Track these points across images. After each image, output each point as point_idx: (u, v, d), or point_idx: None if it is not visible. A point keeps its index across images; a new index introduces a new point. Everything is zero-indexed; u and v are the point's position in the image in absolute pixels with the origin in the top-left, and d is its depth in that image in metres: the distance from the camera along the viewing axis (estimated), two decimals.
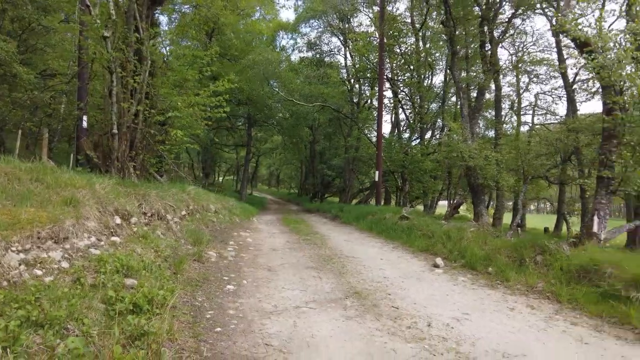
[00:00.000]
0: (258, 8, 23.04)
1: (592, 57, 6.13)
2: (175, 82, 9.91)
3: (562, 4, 8.84)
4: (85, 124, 9.95)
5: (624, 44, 6.46)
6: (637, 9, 6.07)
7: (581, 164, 11.84)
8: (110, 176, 6.99)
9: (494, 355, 3.55)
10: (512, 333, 4.09)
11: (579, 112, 16.47)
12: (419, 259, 7.69)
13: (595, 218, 6.23)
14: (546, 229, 21.29)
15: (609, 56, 5.92)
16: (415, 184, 19.58)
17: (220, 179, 45.59)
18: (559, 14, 6.82)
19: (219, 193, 18.01)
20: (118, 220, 5.46)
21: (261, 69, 20.66)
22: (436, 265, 6.89)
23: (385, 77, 20.49)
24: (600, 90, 7.61)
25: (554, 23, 9.78)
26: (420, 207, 21.82)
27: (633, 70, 5.84)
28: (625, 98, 6.30)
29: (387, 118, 25.84)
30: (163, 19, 20.49)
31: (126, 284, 4.02)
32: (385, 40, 18.65)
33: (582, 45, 6.47)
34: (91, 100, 11.88)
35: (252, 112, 24.72)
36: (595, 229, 6.19)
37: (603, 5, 14.82)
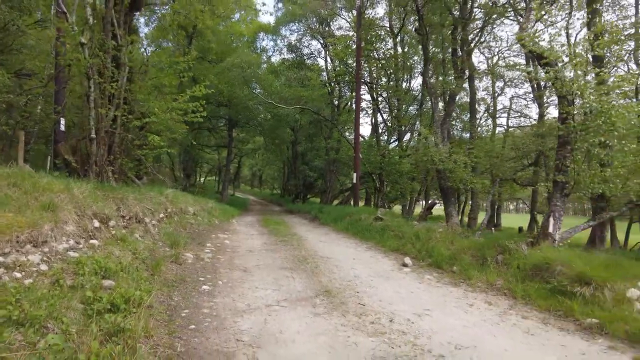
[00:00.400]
0: (238, 10, 23.14)
1: (546, 69, 6.59)
2: (154, 85, 10.03)
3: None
4: (62, 127, 9.98)
5: (574, 56, 6.95)
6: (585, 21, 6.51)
7: (547, 167, 12.45)
8: (88, 180, 7.12)
9: (447, 347, 3.88)
10: (467, 327, 4.44)
11: (550, 116, 17.21)
12: (390, 258, 8.04)
13: (551, 219, 6.68)
14: (520, 229, 22.07)
15: (560, 68, 6.38)
16: (393, 186, 20.03)
17: (202, 179, 45.40)
18: (519, 30, 7.28)
19: (200, 194, 18.11)
20: (96, 224, 5.62)
21: (240, 72, 20.82)
22: (405, 265, 7.25)
23: (363, 81, 20.89)
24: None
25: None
26: (399, 208, 22.32)
27: (583, 82, 6.32)
28: (577, 103, 6.80)
29: (367, 120, 26.30)
30: (141, 20, 20.45)
31: (104, 285, 4.21)
32: (363, 45, 19.03)
33: (539, 58, 6.93)
34: (69, 101, 11.85)
35: (232, 114, 24.82)
36: (550, 229, 6.64)
37: (569, 17, 15.58)
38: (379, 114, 23.51)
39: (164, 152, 10.15)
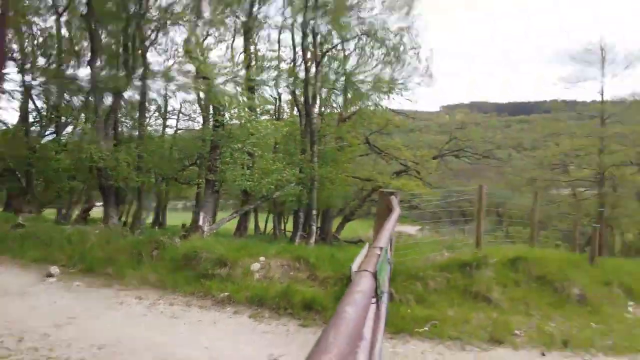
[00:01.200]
0: None
1: (201, 82, 7.49)
2: None
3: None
4: None
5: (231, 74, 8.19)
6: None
7: (205, 168, 13.99)
8: None
9: (90, 350, 3.76)
10: (115, 325, 4.44)
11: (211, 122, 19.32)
12: (31, 270, 6.82)
13: (201, 214, 7.60)
14: (184, 225, 23.52)
15: (211, 82, 7.42)
16: (48, 185, 17.20)
17: None
18: (184, 42, 7.92)
19: None
20: None
21: None
22: (50, 275, 6.39)
23: (10, 56, 16.76)
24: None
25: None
26: (55, 212, 19.33)
27: (229, 98, 7.58)
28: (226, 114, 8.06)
29: (15, 106, 21.21)
30: None
31: None
32: (13, 14, 15.30)
33: (198, 71, 7.77)
34: None
35: None
36: (200, 222, 7.55)
37: (233, 39, 18.18)
38: (30, 100, 19.45)
39: None
